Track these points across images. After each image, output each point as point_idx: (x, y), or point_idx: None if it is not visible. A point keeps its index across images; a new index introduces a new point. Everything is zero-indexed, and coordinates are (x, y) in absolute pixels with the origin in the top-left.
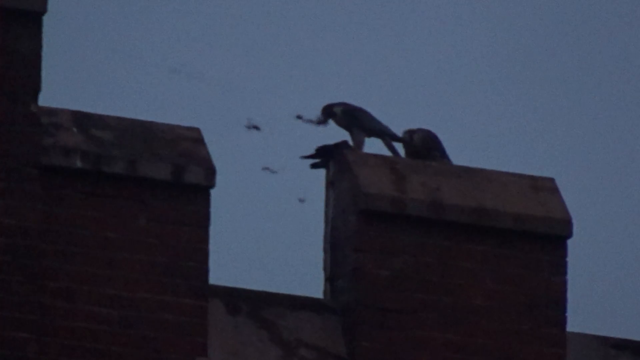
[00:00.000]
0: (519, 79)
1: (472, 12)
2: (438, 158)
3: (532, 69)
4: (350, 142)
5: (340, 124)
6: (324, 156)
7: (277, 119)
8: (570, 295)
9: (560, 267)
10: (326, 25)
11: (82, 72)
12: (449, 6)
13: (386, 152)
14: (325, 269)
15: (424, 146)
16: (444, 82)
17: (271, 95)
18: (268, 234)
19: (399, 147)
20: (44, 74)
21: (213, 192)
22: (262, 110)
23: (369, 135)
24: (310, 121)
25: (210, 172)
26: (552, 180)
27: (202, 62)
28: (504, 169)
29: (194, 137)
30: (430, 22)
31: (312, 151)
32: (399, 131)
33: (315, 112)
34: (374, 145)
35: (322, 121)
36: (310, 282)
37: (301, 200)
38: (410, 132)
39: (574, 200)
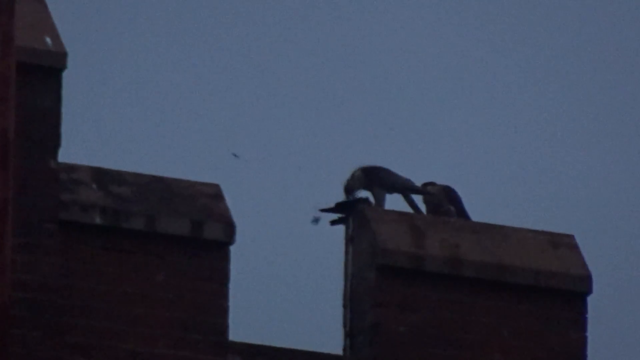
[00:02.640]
0: (537, 135)
1: (487, 64)
2: (452, 213)
3: (551, 126)
4: (371, 199)
5: (361, 187)
6: (344, 212)
7: (298, 177)
8: (590, 351)
9: (579, 323)
10: (345, 77)
11: (102, 129)
12: (469, 60)
13: (406, 208)
14: (344, 324)
15: (437, 199)
16: (462, 138)
17: (290, 149)
18: (287, 290)
19: (420, 204)
20: (63, 130)
21: (233, 248)
22: (281, 165)
23: (390, 192)
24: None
25: (229, 228)
26: (571, 236)
27: (224, 117)
28: (524, 226)
29: (214, 193)
30: (449, 76)
31: (331, 206)
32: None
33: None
34: (393, 201)
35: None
36: (330, 338)
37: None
38: (426, 184)
39: (596, 257)
